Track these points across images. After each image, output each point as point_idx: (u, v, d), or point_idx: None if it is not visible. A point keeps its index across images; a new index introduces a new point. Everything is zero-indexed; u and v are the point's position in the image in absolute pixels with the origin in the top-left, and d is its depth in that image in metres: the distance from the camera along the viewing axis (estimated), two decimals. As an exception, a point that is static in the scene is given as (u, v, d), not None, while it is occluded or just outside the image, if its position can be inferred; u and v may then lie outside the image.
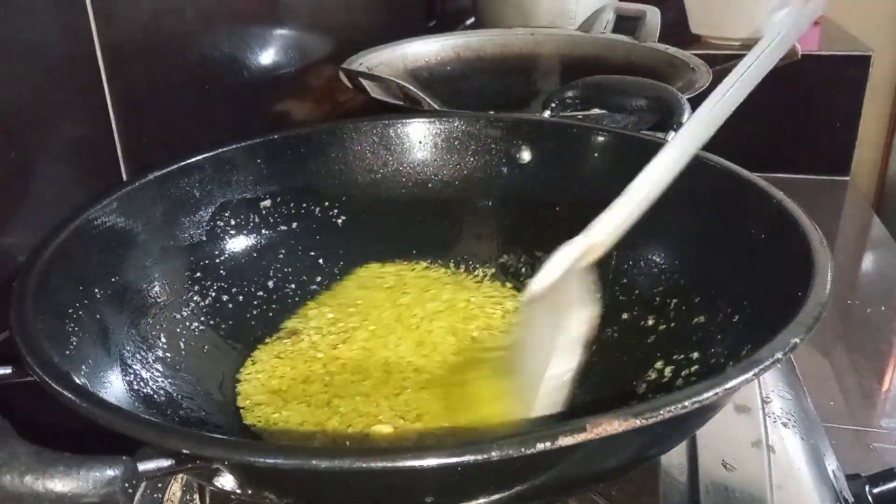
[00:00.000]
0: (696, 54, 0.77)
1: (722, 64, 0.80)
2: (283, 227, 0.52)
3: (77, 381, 0.32)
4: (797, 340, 0.29)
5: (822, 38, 1.28)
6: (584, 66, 0.84)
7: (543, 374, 0.37)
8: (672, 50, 0.80)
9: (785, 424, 0.46)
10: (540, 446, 0.23)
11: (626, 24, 0.94)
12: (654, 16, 0.90)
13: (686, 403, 0.25)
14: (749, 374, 0.27)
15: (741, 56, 0.82)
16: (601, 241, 0.40)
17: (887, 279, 0.86)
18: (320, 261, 0.53)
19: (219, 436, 0.25)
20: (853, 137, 1.10)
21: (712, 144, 0.52)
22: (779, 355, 0.28)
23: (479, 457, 0.23)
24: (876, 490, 0.46)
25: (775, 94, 1.09)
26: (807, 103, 1.10)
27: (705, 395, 0.26)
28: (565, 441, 0.23)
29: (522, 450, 0.23)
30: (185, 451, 0.24)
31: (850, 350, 0.72)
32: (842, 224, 1.03)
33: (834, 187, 1.11)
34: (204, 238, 0.48)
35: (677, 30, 1.17)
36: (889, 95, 1.57)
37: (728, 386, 0.26)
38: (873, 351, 0.73)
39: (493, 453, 0.23)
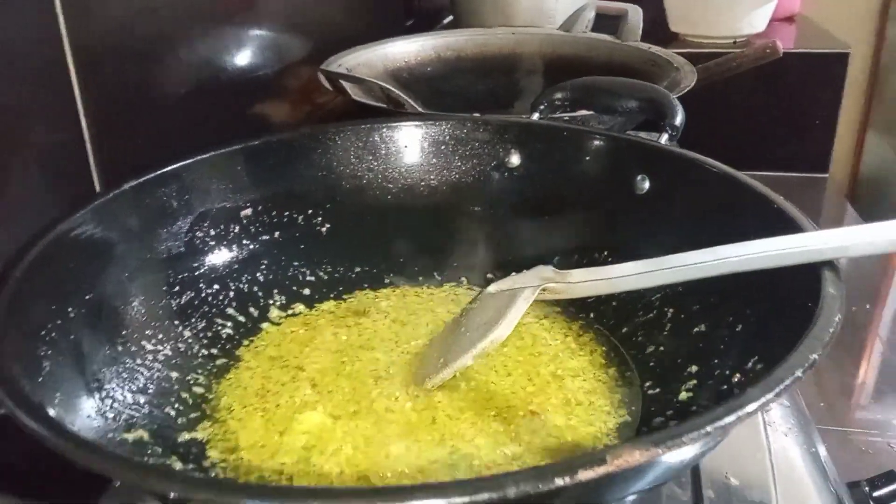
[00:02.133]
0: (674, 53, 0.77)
1: (703, 62, 0.79)
2: (265, 237, 0.50)
3: (51, 412, 0.29)
4: (815, 356, 0.28)
5: (799, 35, 1.29)
6: (566, 65, 0.83)
7: (445, 359, 0.42)
8: (655, 49, 0.80)
9: (785, 434, 0.46)
10: (559, 482, 0.22)
11: (607, 22, 0.93)
12: (636, 14, 0.89)
13: (708, 429, 0.24)
14: (771, 395, 0.25)
15: (721, 54, 0.82)
16: (563, 289, 0.45)
17: (869, 277, 0.86)
18: (305, 271, 0.51)
19: (209, 476, 0.23)
20: (832, 135, 1.11)
21: (694, 143, 0.51)
22: (799, 373, 0.27)
23: (495, 494, 0.21)
24: (876, 494, 0.45)
25: (755, 92, 1.10)
26: (786, 101, 1.10)
27: (727, 420, 0.24)
28: (585, 475, 0.22)
29: (540, 486, 0.22)
30: (172, 495, 0.22)
31: (837, 349, 0.72)
32: (821, 222, 1.03)
33: (813, 184, 1.12)
34: (183, 250, 0.46)
35: (655, 28, 1.16)
36: (863, 92, 1.59)
37: (749, 409, 0.25)
38: (859, 350, 0.73)
39: (510, 490, 0.21)
